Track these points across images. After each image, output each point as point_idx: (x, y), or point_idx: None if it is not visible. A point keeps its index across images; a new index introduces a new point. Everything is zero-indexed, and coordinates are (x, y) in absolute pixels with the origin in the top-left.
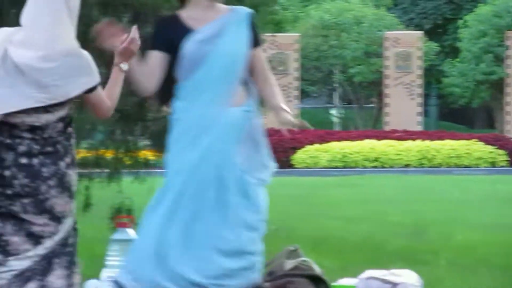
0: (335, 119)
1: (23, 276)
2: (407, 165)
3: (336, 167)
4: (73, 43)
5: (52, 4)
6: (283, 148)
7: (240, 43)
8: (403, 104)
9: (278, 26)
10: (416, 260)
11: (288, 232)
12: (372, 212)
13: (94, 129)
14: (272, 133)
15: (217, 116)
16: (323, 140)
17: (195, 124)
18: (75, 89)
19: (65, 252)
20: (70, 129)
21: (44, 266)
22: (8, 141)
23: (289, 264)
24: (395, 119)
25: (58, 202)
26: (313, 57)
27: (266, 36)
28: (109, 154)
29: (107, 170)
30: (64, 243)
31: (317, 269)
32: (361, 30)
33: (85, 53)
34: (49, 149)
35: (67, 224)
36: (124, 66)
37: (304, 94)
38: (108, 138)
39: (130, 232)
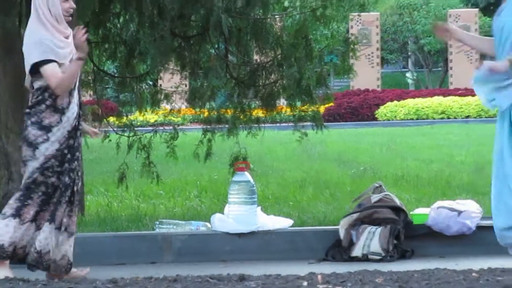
0: (409, 81)
1: None
2: (467, 116)
3: (411, 119)
4: None
5: None
6: (368, 105)
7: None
8: (464, 67)
9: (363, 7)
10: (477, 192)
11: (374, 171)
12: (441, 154)
13: (215, 94)
14: (359, 93)
15: None
16: (400, 97)
17: None
18: None
19: None
20: None
21: None
22: None
23: (375, 197)
24: (457, 80)
25: None
26: (391, 31)
27: (353, 15)
28: (228, 113)
29: (227, 126)
30: None
31: (397, 201)
32: (429, 9)
33: None
34: None
35: None
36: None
37: (384, 61)
38: (227, 100)
39: (247, 175)
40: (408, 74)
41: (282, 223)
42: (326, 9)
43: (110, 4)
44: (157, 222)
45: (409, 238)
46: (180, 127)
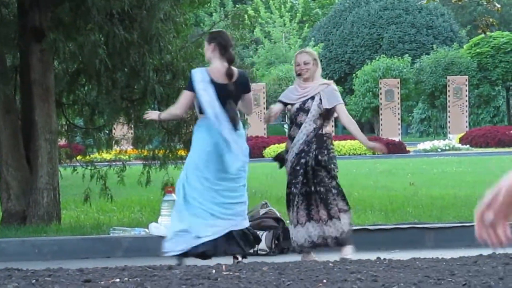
0: (286, 130)
1: None
2: None
3: None
4: None
5: None
6: (258, 147)
7: None
8: None
9: (253, 80)
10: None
11: (262, 193)
12: None
13: (151, 139)
14: (251, 138)
15: None
16: (281, 141)
17: None
18: None
19: None
20: None
21: None
22: None
23: (262, 211)
24: None
25: None
26: (273, 96)
27: None
28: (161, 153)
29: (160, 162)
30: None
31: (278, 214)
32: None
33: None
34: None
35: None
36: None
37: None
38: (160, 144)
39: (173, 196)
40: (285, 125)
41: None
42: None
43: (78, 77)
44: (112, 229)
45: (286, 239)
46: (127, 162)
